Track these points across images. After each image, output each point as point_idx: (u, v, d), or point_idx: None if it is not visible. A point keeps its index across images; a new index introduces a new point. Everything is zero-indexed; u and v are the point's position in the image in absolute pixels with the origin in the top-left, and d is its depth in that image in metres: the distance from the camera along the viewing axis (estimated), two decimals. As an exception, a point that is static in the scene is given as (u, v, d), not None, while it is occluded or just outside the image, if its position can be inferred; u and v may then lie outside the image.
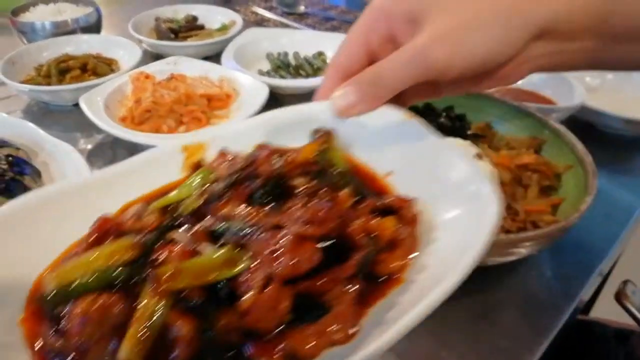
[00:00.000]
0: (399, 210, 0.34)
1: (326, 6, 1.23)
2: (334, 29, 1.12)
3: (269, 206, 0.33)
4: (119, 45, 0.88)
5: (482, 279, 0.53)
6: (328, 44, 0.94)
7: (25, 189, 0.54)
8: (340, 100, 0.39)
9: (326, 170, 0.37)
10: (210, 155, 0.39)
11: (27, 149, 0.62)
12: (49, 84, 0.78)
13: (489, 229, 0.30)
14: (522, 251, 0.48)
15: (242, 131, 0.41)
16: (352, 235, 0.32)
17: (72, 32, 0.92)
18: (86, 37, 0.90)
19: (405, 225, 0.34)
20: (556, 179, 0.60)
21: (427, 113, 0.69)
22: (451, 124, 0.68)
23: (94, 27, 0.96)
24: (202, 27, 1.00)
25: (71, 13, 0.97)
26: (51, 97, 0.77)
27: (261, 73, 0.88)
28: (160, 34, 0.96)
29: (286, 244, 0.29)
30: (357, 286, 0.30)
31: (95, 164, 0.67)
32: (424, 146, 0.38)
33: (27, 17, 0.96)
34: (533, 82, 0.80)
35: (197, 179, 0.36)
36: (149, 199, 0.36)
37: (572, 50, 0.36)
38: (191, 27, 0.98)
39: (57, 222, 0.34)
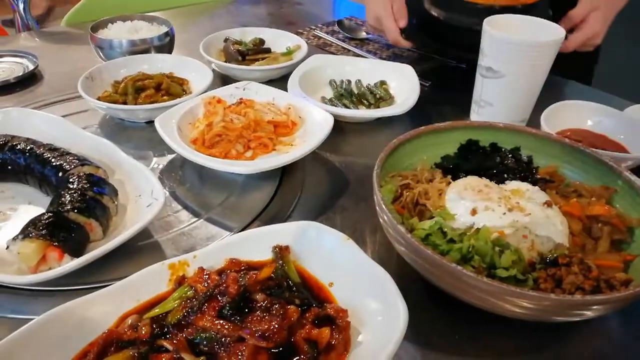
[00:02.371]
0: (336, 319, 0.46)
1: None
2: (395, 56, 1.12)
3: (236, 318, 0.45)
4: (190, 67, 0.92)
5: (542, 337, 0.52)
6: (390, 73, 0.94)
7: (104, 208, 0.58)
8: None
9: (282, 283, 0.49)
10: (191, 271, 0.50)
11: (105, 167, 0.66)
12: (125, 101, 0.82)
13: (399, 333, 0.42)
14: (591, 314, 0.46)
15: (218, 249, 0.53)
16: (297, 342, 0.44)
17: (146, 50, 0.97)
18: (161, 56, 0.94)
19: (339, 331, 0.45)
20: (628, 233, 0.58)
21: (492, 152, 0.69)
22: (518, 166, 0.67)
23: (167, 47, 1.00)
24: (268, 51, 1.03)
25: (147, 31, 1.02)
26: (127, 115, 0.82)
27: (324, 100, 0.89)
28: (229, 56, 1.00)
29: (246, 354, 0.42)
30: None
31: (166, 184, 0.70)
32: (357, 263, 0.50)
33: (105, 33, 1.02)
34: (604, 125, 0.78)
35: (179, 294, 0.48)
36: (142, 310, 0.47)
37: None
38: (258, 50, 1.01)
39: (60, 339, 0.43)
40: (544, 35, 0.74)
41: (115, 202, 0.61)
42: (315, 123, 0.76)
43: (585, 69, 1.06)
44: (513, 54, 0.74)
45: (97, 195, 0.58)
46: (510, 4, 0.87)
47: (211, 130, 0.72)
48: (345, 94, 0.91)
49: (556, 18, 0.91)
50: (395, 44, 1.01)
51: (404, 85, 0.91)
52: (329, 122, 0.74)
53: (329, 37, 1.20)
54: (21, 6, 1.28)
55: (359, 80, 0.94)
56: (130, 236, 0.54)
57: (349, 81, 0.94)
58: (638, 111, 0.81)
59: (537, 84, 0.77)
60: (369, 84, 0.94)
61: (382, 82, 0.94)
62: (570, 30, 0.92)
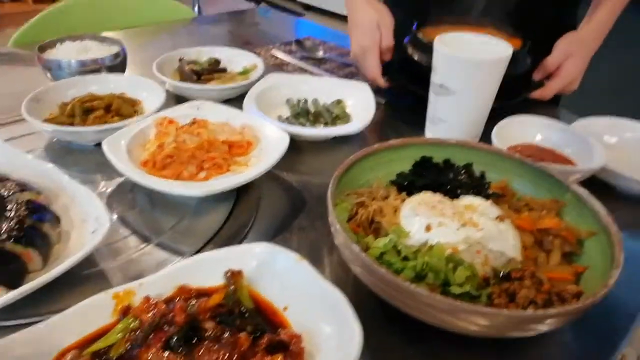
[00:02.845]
0: (290, 344, 0.45)
1: (344, 51, 1.25)
2: (351, 74, 1.13)
3: (183, 350, 0.43)
4: (143, 87, 0.89)
5: (500, 352, 0.52)
6: (347, 92, 0.95)
7: (44, 236, 0.54)
8: None
9: (233, 310, 0.48)
10: (137, 300, 0.48)
11: (48, 192, 0.63)
12: (72, 123, 0.79)
13: (354, 356, 0.41)
14: (545, 328, 0.47)
15: (167, 276, 0.50)
16: None
17: (97, 70, 0.94)
18: (112, 76, 0.91)
19: (293, 358, 0.44)
20: (578, 245, 0.59)
21: (446, 168, 0.69)
22: (471, 182, 0.68)
23: (119, 66, 0.98)
24: (224, 70, 1.02)
25: (97, 51, 0.99)
26: (74, 137, 0.78)
27: (281, 119, 0.88)
28: (184, 76, 0.98)
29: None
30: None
31: (114, 208, 0.67)
32: (311, 285, 0.49)
33: (53, 53, 0.98)
34: (553, 140, 0.80)
35: (123, 326, 0.45)
36: (83, 344, 0.44)
37: None
38: (214, 69, 1.00)
39: None
40: (492, 53, 0.76)
41: (58, 229, 0.58)
42: (271, 142, 0.75)
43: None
44: (462, 71, 0.75)
45: (36, 222, 0.54)
46: None
47: (162, 151, 0.69)
48: (302, 113, 0.91)
49: (534, 67, 0.95)
50: (372, 81, 0.98)
51: (360, 104, 0.91)
52: (285, 141, 0.73)
53: (286, 57, 1.20)
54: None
55: (316, 99, 0.94)
56: (71, 265, 0.51)
57: (306, 100, 0.94)
58: (584, 125, 0.84)
59: (487, 101, 0.79)
60: (325, 103, 0.94)
61: (339, 101, 0.94)
62: (547, 77, 0.95)
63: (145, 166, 0.70)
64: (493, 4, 0.97)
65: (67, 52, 0.98)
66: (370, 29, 0.93)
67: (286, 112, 0.92)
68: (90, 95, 0.84)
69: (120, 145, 0.70)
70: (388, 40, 0.95)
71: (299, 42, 1.26)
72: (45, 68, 0.95)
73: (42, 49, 0.98)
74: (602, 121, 0.86)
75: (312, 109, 0.92)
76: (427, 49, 0.85)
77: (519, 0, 0.95)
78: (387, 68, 0.98)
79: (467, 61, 0.75)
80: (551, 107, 1.02)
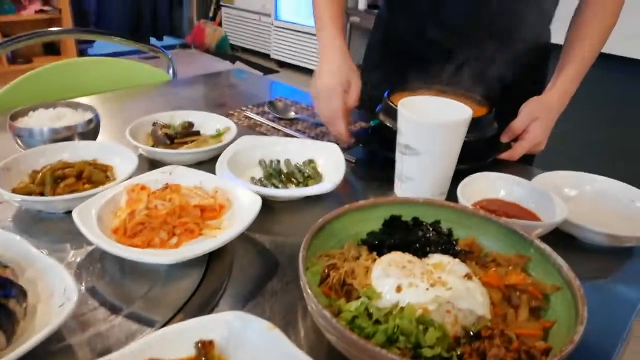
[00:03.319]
0: None
1: (314, 112, 1.29)
2: (322, 134, 1.17)
3: None
4: (115, 152, 0.90)
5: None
6: (318, 152, 0.98)
7: (9, 313, 0.53)
8: None
9: None
10: None
11: (14, 264, 0.62)
12: (42, 191, 0.79)
13: None
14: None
15: (136, 350, 0.49)
16: None
17: (69, 137, 0.95)
18: (83, 143, 0.92)
19: None
20: (545, 300, 0.61)
21: (415, 227, 0.71)
22: (439, 239, 0.69)
23: (92, 133, 0.99)
24: (197, 133, 1.04)
25: (70, 118, 1.00)
26: (44, 206, 0.78)
27: (254, 181, 0.90)
28: (157, 140, 0.99)
29: None
30: None
31: (84, 278, 0.66)
32: (284, 355, 0.48)
33: (25, 122, 0.99)
34: (516, 195, 0.84)
35: None
36: None
37: None
38: (187, 133, 1.02)
39: None
40: (453, 115, 0.80)
41: (24, 305, 0.56)
42: (243, 205, 0.76)
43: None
44: (424, 133, 0.79)
45: (1, 299, 0.53)
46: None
47: (133, 218, 0.70)
48: (275, 174, 0.93)
49: (500, 130, 1.01)
50: (341, 142, 1.02)
51: (330, 163, 0.94)
52: (257, 204, 0.74)
53: (259, 118, 1.24)
54: (-64, 94, 1.23)
55: (288, 160, 0.97)
56: (37, 343, 0.49)
57: (278, 161, 0.96)
58: (544, 180, 0.88)
59: (451, 159, 0.83)
60: (297, 163, 0.96)
61: (310, 161, 0.96)
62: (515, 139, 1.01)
63: (116, 234, 0.69)
64: (464, 72, 1.03)
65: (39, 120, 0.99)
66: (337, 93, 0.96)
67: (259, 173, 0.94)
68: (62, 163, 0.84)
69: (90, 214, 0.70)
70: (352, 101, 0.99)
71: (271, 103, 1.30)
72: (16, 136, 0.95)
73: (14, 117, 0.98)
74: (562, 175, 0.90)
75: (284, 169, 0.95)
76: (396, 114, 0.89)
77: (487, 68, 1.01)
78: (359, 134, 1.03)
79: (430, 124, 0.79)
80: (524, 166, 1.06)
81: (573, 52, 1.02)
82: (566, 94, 1.01)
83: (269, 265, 0.73)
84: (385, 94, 1.02)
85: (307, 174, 0.93)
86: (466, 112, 0.80)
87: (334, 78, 0.97)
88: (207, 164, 0.96)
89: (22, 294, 0.57)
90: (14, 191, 0.78)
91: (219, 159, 0.90)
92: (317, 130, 1.19)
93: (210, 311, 0.63)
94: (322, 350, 0.58)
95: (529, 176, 0.88)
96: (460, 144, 0.82)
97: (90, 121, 0.98)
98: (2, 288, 0.54)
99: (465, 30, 1.10)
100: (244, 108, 1.31)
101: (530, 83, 1.14)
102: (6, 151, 0.95)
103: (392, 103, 0.97)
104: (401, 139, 0.83)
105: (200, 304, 0.63)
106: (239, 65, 5.43)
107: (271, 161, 0.96)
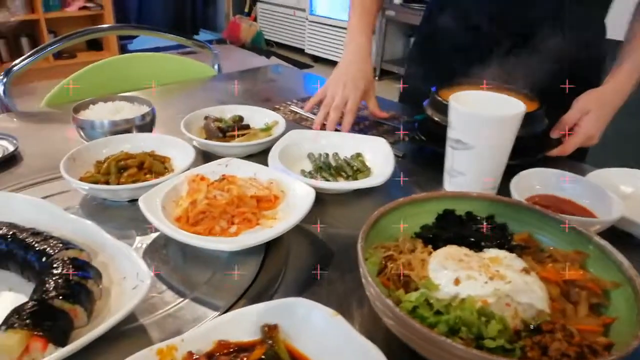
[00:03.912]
0: None
1: (360, 106, 1.30)
2: (366, 128, 1.18)
3: None
4: (172, 145, 0.94)
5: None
6: (366, 146, 0.99)
7: (88, 292, 0.57)
8: None
9: None
10: (179, 355, 0.50)
11: (88, 249, 0.65)
12: (107, 181, 0.83)
13: None
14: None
15: (206, 331, 0.52)
16: None
17: (128, 130, 0.99)
18: (142, 135, 0.96)
19: None
20: (605, 296, 0.60)
21: (468, 221, 0.71)
22: (493, 234, 0.70)
23: (148, 126, 1.03)
24: (248, 127, 1.06)
25: (128, 111, 1.04)
26: (110, 195, 0.82)
27: (304, 173, 0.92)
28: (209, 133, 1.03)
29: None
30: None
31: (150, 264, 0.69)
32: (347, 340, 0.50)
33: (86, 114, 1.04)
34: (570, 191, 0.83)
35: None
36: None
37: None
38: (238, 126, 1.04)
39: None
40: (507, 110, 0.80)
41: (100, 286, 0.60)
42: (297, 197, 0.78)
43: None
44: (478, 127, 0.79)
45: (81, 279, 0.57)
46: None
47: (195, 207, 0.73)
48: (324, 167, 0.94)
49: (551, 124, 0.99)
50: (316, 125, 1.12)
51: (378, 157, 0.95)
52: (311, 196, 0.76)
53: (304, 112, 1.25)
54: (1, 88, 1.30)
55: (336, 153, 0.98)
56: (116, 322, 0.53)
57: (327, 154, 0.98)
58: (599, 177, 0.87)
59: (503, 154, 0.82)
60: (345, 157, 0.97)
61: (358, 155, 0.98)
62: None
63: (178, 222, 0.72)
64: (514, 66, 1.01)
65: (99, 113, 1.03)
66: (356, 87, 1.10)
67: (308, 166, 0.96)
68: (124, 154, 0.88)
69: (155, 202, 0.73)
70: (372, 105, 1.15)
71: (315, 98, 1.32)
72: (79, 128, 1.00)
73: (77, 109, 1.03)
74: (617, 172, 0.89)
75: (333, 163, 0.96)
76: (445, 109, 0.90)
77: (539, 63, 0.99)
78: (408, 128, 1.04)
79: (481, 118, 0.79)
80: (577, 163, 1.04)
81: (632, 48, 1.00)
82: (622, 89, 0.99)
83: (324, 255, 0.75)
84: (433, 88, 1.02)
85: (356, 168, 0.94)
86: (520, 107, 0.80)
87: (363, 68, 1.10)
88: (257, 156, 0.98)
89: (98, 275, 0.60)
90: (81, 180, 0.83)
91: (271, 152, 0.92)
92: (362, 125, 1.20)
93: (270, 298, 0.65)
94: (379, 337, 0.59)
95: (582, 173, 0.87)
96: (512, 139, 0.81)
97: (147, 114, 1.02)
98: (81, 270, 0.58)
99: (516, 23, 1.08)
100: (288, 102, 1.34)
101: (584, 79, 1.12)
102: (67, 143, 1.01)
103: (441, 98, 0.97)
104: (452, 134, 0.84)
105: (261, 290, 0.66)
106: (274, 60, 5.48)
107: (320, 154, 0.98)
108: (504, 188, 0.85)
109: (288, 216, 0.74)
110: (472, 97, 0.86)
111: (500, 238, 0.69)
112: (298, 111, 1.27)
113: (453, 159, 0.86)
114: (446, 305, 0.55)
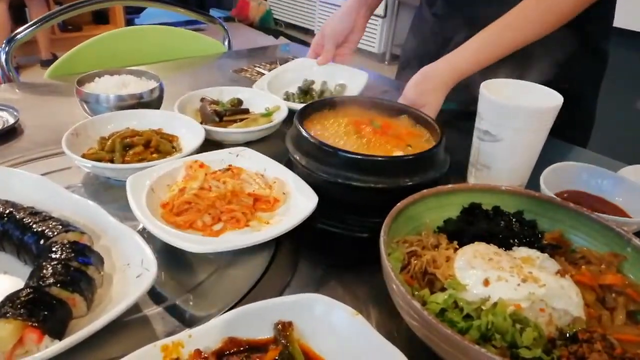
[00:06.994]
0: None
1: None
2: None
3: None
4: (181, 123, 0.89)
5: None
6: (347, 77, 1.16)
7: (89, 280, 0.53)
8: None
9: None
10: (186, 352, 0.46)
11: (89, 232, 0.61)
12: (112, 158, 0.78)
13: None
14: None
15: (215, 327, 0.48)
16: None
17: (134, 105, 0.94)
18: (150, 112, 0.91)
19: None
20: (643, 303, 0.56)
21: (496, 216, 0.67)
22: (523, 231, 0.65)
23: (156, 102, 0.98)
24: (247, 111, 0.99)
25: (135, 86, 0.99)
26: (114, 174, 0.77)
27: (287, 94, 1.10)
28: (205, 117, 0.95)
29: None
30: None
31: (155, 251, 0.65)
32: (368, 342, 0.47)
33: (91, 87, 0.99)
34: (601, 187, 0.78)
35: None
36: None
37: None
38: (236, 110, 0.97)
39: None
40: (543, 101, 0.75)
41: (102, 273, 0.56)
42: (298, 202, 0.70)
43: (582, 132, 1.07)
44: (511, 119, 0.74)
45: (82, 265, 0.53)
46: None
47: (182, 196, 0.67)
48: (308, 91, 1.13)
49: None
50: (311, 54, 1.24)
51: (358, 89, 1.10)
52: (313, 202, 0.68)
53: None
54: (2, 57, 1.25)
55: (325, 82, 1.15)
56: (119, 314, 0.49)
57: (313, 81, 1.14)
58: (632, 172, 0.82)
59: (535, 149, 0.77)
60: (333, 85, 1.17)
61: (342, 85, 1.15)
62: None
63: (164, 208, 0.67)
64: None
65: (105, 86, 0.98)
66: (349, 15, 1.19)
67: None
68: (130, 131, 0.83)
69: (143, 184, 0.68)
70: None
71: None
72: (83, 101, 0.95)
73: (81, 82, 0.98)
74: (651, 168, 0.84)
75: (317, 89, 1.11)
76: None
77: (542, 52, 0.92)
78: None
79: (519, 110, 0.73)
80: (607, 159, 0.97)
81: (495, 24, 0.89)
82: (457, 67, 0.90)
83: (339, 250, 0.70)
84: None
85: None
86: (557, 99, 0.74)
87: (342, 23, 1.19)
88: (255, 144, 0.91)
89: (100, 261, 0.56)
90: (83, 157, 0.78)
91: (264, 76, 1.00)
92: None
93: (281, 293, 0.61)
94: (398, 338, 0.55)
95: (613, 169, 0.82)
96: (546, 134, 0.76)
97: (155, 90, 0.97)
98: (81, 255, 0.54)
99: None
100: (255, 65, 1.36)
101: (588, 65, 1.06)
102: (70, 116, 0.96)
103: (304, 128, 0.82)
104: (480, 124, 0.78)
105: (272, 285, 0.61)
106: (282, 40, 5.37)
107: (306, 80, 1.14)
108: (528, 183, 0.80)
109: (282, 222, 0.66)
110: (502, 84, 0.80)
111: (531, 236, 0.64)
112: (265, 73, 1.26)
113: (479, 151, 0.80)
114: (476, 308, 0.50)
